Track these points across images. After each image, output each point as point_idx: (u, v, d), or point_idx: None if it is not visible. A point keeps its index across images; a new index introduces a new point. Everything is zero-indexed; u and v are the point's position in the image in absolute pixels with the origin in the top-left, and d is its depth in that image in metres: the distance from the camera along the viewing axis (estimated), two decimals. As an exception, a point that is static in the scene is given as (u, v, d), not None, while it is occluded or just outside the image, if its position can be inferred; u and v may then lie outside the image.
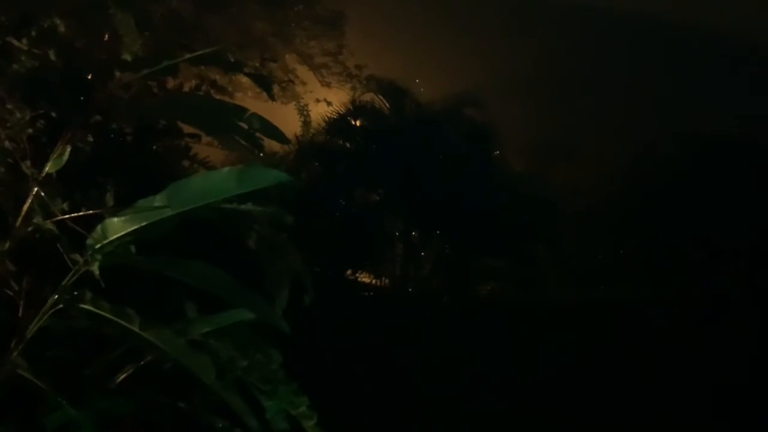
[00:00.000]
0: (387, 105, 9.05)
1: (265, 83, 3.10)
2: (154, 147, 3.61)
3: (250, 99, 8.74)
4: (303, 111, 8.15)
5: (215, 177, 2.42)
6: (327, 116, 9.00)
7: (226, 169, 2.43)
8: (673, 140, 9.89)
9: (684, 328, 8.34)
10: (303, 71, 9.72)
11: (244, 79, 8.70)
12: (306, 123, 8.08)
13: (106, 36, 2.98)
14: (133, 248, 2.68)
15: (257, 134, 3.36)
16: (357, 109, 9.04)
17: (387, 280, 8.73)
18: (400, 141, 8.64)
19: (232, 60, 2.89)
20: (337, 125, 8.90)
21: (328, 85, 9.75)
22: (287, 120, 9.43)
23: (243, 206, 2.50)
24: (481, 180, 8.62)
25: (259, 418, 3.20)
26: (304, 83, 9.68)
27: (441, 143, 8.74)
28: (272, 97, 3.30)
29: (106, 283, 2.72)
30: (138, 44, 2.53)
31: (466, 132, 9.06)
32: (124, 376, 3.25)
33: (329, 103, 9.30)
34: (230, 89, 8.22)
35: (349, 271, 8.65)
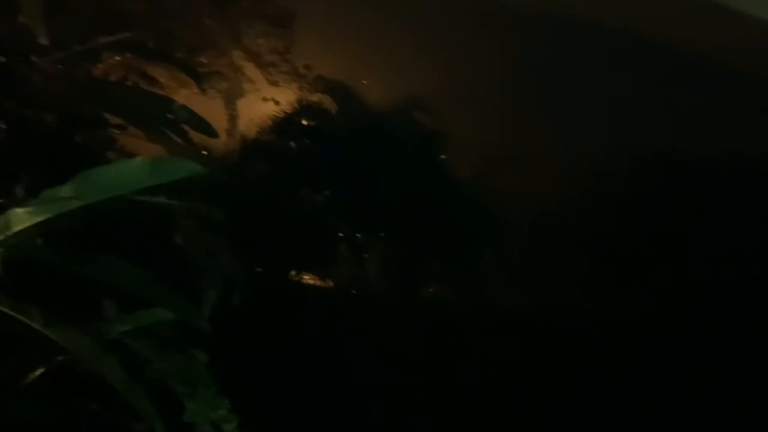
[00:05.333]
0: (335, 106, 8.98)
1: (191, 71, 3.00)
2: (77, 137, 3.46)
3: (195, 95, 8.54)
4: (230, 104, 8.02)
5: (126, 167, 2.30)
6: (274, 115, 8.89)
7: (139, 158, 2.31)
8: (627, 155, 10.03)
9: (623, 337, 8.47)
10: (250, 69, 9.58)
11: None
12: (233, 117, 7.94)
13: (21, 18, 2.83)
14: (40, 241, 2.55)
15: (186, 126, 3.26)
16: (304, 109, 8.96)
17: (331, 282, 8.67)
18: (347, 142, 8.60)
19: (152, 47, 2.77)
20: (283, 125, 8.81)
21: (275, 84, 9.62)
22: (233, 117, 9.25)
23: (156, 199, 2.39)
24: (427, 184, 8.63)
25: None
26: (252, 81, 9.54)
27: (388, 146, 8.72)
28: (201, 87, 3.21)
29: (14, 280, 2.58)
30: (42, 27, 2.38)
31: (414, 135, 9.05)
32: (35, 376, 3.11)
33: (277, 103, 9.17)
34: (175, 84, 7.98)
35: (292, 272, 8.57)
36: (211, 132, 3.29)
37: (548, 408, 7.67)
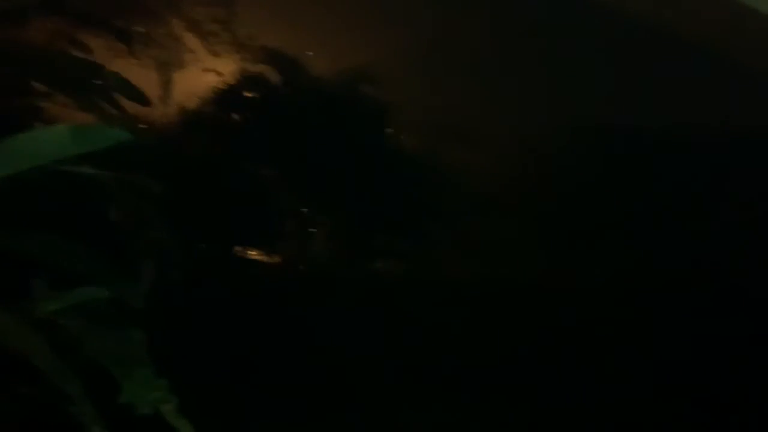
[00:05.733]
0: (279, 77, 8.80)
1: (122, 36, 2.84)
2: (-1, 106, 3.26)
3: (132, 66, 8.22)
4: (167, 74, 7.74)
5: (46, 135, 2.14)
6: (215, 87, 8.66)
7: (60, 126, 2.15)
8: (586, 129, 10.07)
9: (578, 310, 8.57)
10: (190, 39, 9.27)
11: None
12: (166, 83, 7.67)
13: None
14: (-45, 216, 2.38)
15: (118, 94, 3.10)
16: (247, 80, 8.74)
17: (278, 258, 8.56)
18: (291, 115, 8.46)
19: (82, 10, 2.60)
20: (225, 96, 8.59)
21: (217, 54, 9.33)
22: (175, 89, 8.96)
23: (82, 169, 2.24)
24: (375, 157, 8.57)
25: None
26: (192, 51, 9.24)
27: (334, 119, 8.61)
28: (132, 52, 3.05)
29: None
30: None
31: (361, 108, 8.95)
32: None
33: (218, 74, 8.93)
34: (110, 54, 7.64)
35: (238, 248, 8.42)
36: (142, 100, 3.15)
37: (501, 380, 7.72)
